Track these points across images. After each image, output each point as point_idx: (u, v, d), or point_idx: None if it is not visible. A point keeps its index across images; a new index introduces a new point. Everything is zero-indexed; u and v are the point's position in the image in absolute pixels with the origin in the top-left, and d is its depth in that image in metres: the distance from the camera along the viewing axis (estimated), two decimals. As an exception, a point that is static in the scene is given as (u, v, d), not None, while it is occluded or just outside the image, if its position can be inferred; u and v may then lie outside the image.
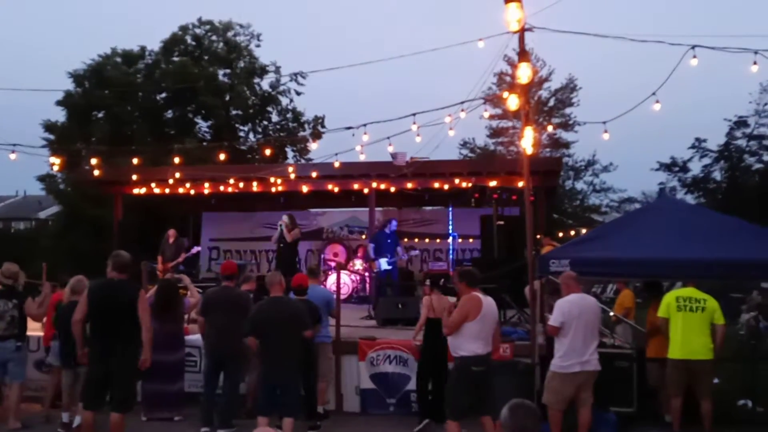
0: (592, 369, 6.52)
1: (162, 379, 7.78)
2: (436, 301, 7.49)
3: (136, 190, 15.49)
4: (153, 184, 15.21)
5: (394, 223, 14.08)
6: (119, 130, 23.50)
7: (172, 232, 13.76)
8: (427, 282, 8.00)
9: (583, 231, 16.47)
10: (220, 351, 7.34)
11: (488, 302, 6.14)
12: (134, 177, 14.94)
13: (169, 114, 26.82)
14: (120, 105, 24.31)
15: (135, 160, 14.97)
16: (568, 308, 6.57)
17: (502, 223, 11.47)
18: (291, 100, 28.82)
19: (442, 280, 7.89)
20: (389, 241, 13.80)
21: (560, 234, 25.40)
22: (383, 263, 13.51)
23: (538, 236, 10.36)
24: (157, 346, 6.36)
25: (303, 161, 27.34)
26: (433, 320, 7.35)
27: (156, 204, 17.76)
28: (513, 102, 8.02)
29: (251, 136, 28.71)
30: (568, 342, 6.51)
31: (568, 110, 35.66)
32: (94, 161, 14.49)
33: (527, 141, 7.85)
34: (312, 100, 29.99)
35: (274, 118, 29.14)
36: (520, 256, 10.88)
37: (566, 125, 35.04)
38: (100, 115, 24.87)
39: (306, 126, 28.60)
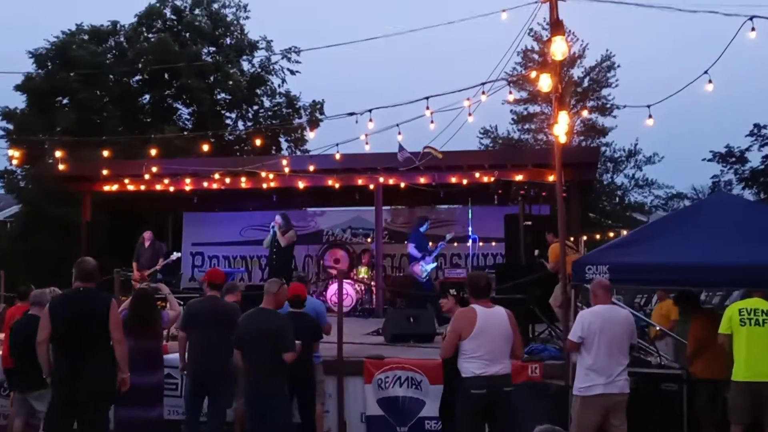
0: (618, 392, 6.47)
1: (138, 404, 7.75)
2: None
3: (107, 187, 15.54)
4: (126, 180, 15.27)
5: (428, 223, 14.25)
6: (87, 118, 23.55)
7: (148, 235, 13.80)
8: (452, 291, 7.84)
9: (624, 233, 16.39)
10: (204, 372, 7.33)
11: (490, 314, 6.09)
12: (105, 172, 15.00)
13: (145, 99, 26.87)
14: (88, 89, 24.35)
15: (106, 153, 15.02)
16: (589, 321, 6.54)
17: (529, 223, 11.41)
18: (283, 81, 28.81)
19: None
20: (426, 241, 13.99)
21: (597, 236, 25.31)
22: (428, 266, 13.60)
23: (548, 235, 10.37)
24: (132, 367, 6.35)
25: (299, 153, 27.33)
26: None
27: (130, 203, 17.78)
28: (545, 82, 7.98)
29: (239, 124, 28.76)
30: (590, 360, 6.49)
31: (604, 92, 35.53)
32: (58, 154, 14.56)
33: (560, 127, 7.82)
34: (309, 83, 29.92)
35: (266, 103, 29.17)
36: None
37: (603, 109, 34.91)
38: (66, 101, 24.91)
39: (302, 112, 28.59)
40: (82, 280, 6.19)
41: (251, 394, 6.59)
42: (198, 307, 7.58)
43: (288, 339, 6.61)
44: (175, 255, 14.21)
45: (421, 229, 14.18)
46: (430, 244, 14.98)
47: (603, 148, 33.79)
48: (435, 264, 14.03)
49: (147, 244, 13.69)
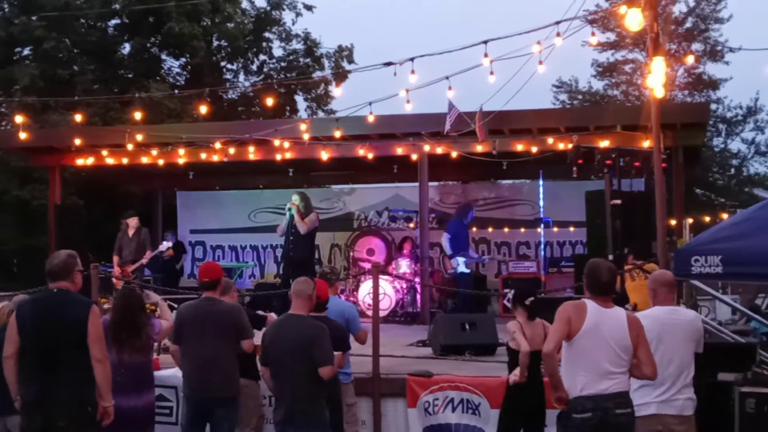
0: (676, 413, 6.40)
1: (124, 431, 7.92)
2: (527, 325, 7.41)
3: (80, 161, 15.70)
4: (104, 152, 15.40)
5: (472, 213, 14.26)
6: (54, 73, 23.81)
7: (132, 221, 13.94)
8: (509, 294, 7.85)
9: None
10: (200, 392, 7.40)
11: (605, 314, 5.91)
12: (77, 141, 15.13)
13: (125, 49, 27.09)
14: (55, 37, 24.63)
15: (78, 117, 15.16)
16: (646, 327, 6.46)
17: (618, 202, 11.36)
18: (297, 15, 28.45)
19: (530, 298, 7.59)
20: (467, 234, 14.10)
21: (706, 218, 25.06)
22: (461, 263, 13.66)
23: (629, 256, 10.48)
24: (116, 387, 6.43)
25: (321, 114, 27.38)
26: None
27: (109, 180, 18.00)
28: (634, 20, 7.91)
29: (242, 78, 28.83)
30: None
31: (713, 31, 35.00)
32: (19, 119, 14.73)
33: (657, 78, 7.75)
34: (333, 24, 29.89)
35: (277, 51, 29.18)
36: (645, 251, 10.79)
37: (713, 54, 34.42)
38: (27, 51, 25.25)
39: (325, 62, 28.57)
40: (52, 279, 6.25)
41: (281, 424, 6.62)
42: (190, 313, 7.60)
43: (324, 349, 6.64)
44: (166, 244, 14.33)
45: (464, 221, 14.26)
46: (475, 229, 15.06)
47: (713, 105, 33.36)
48: (468, 271, 14.20)
49: (131, 232, 13.81)
